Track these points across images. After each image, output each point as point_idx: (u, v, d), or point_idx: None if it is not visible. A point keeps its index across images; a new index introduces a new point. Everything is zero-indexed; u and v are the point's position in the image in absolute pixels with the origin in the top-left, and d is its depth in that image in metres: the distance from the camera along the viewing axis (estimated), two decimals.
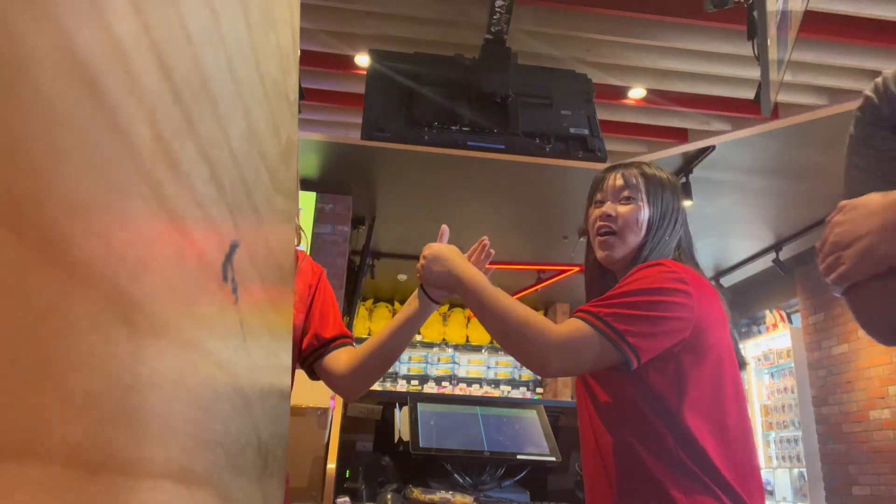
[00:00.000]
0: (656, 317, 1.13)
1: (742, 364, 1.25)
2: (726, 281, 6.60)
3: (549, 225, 5.57)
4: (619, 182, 1.35)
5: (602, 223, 1.34)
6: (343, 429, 1.95)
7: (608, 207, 1.34)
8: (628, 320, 1.11)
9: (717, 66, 3.51)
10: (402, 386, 7.84)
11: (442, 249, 1.26)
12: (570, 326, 1.12)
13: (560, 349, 1.09)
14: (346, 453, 2.09)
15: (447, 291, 1.25)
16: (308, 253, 1.45)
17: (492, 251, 1.33)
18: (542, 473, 2.21)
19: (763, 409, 6.33)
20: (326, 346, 1.28)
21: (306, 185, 4.68)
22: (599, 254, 1.35)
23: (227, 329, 0.29)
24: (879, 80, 0.99)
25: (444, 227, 1.34)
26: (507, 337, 1.14)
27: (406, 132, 2.80)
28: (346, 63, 3.64)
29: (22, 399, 0.14)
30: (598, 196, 1.39)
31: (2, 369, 0.13)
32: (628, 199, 1.35)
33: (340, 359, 1.26)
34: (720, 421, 1.15)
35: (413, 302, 1.26)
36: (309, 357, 1.28)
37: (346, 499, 1.87)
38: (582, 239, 5.76)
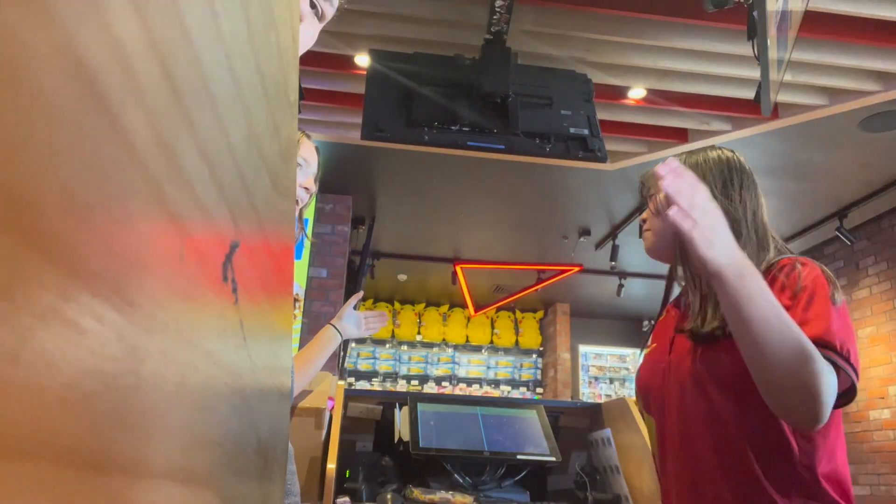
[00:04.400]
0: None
1: None
2: None
3: (549, 225, 5.57)
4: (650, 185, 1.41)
5: (642, 227, 1.39)
6: (343, 429, 1.95)
7: (646, 214, 1.39)
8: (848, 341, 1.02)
9: (717, 66, 3.51)
10: (402, 386, 7.85)
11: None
12: (832, 376, 0.95)
13: (830, 393, 0.94)
14: (346, 453, 2.09)
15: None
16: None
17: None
18: (541, 473, 2.21)
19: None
20: None
21: None
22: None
23: (227, 329, 0.29)
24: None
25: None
26: (784, 351, 0.93)
27: (406, 132, 2.80)
28: (346, 63, 3.64)
29: (22, 399, 0.14)
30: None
31: (2, 369, 0.13)
32: (650, 198, 1.38)
33: None
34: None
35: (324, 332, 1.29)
36: None
37: (346, 499, 1.87)
38: (582, 239, 5.76)
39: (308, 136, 1.45)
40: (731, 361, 1.07)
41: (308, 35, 0.92)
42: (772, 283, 1.09)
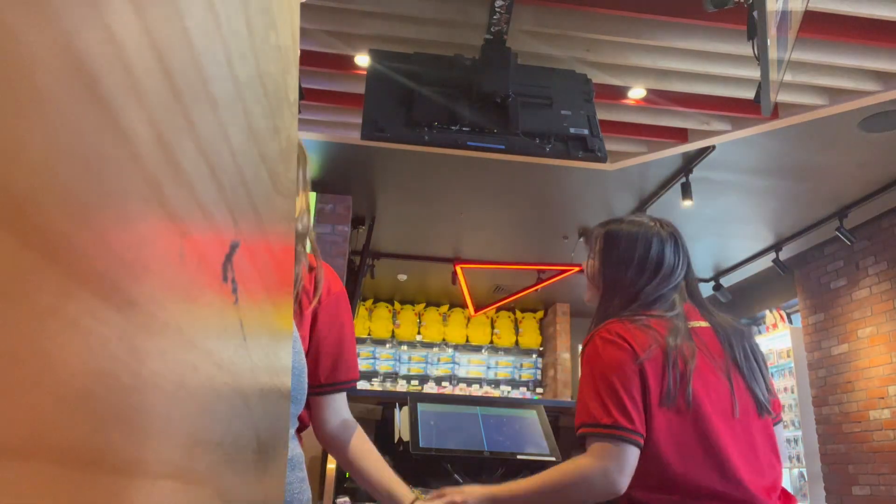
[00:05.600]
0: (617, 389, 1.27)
1: None
2: (726, 281, 6.60)
3: (549, 225, 5.57)
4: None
5: None
6: None
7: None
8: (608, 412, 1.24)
9: (717, 66, 3.51)
10: (402, 386, 7.84)
11: (467, 489, 1.35)
12: (593, 451, 1.23)
13: (608, 470, 1.20)
14: None
15: None
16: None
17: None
18: None
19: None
20: (325, 388, 1.24)
21: None
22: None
23: (227, 329, 0.29)
24: None
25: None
26: (570, 500, 1.23)
27: (406, 132, 2.79)
28: (346, 63, 3.64)
29: (22, 399, 0.14)
30: None
31: (2, 369, 0.13)
32: (588, 257, 1.53)
33: (329, 415, 1.24)
34: None
35: (401, 493, 1.25)
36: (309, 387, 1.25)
37: (346, 499, 1.87)
38: (582, 239, 5.76)
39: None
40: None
41: None
42: None
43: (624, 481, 1.19)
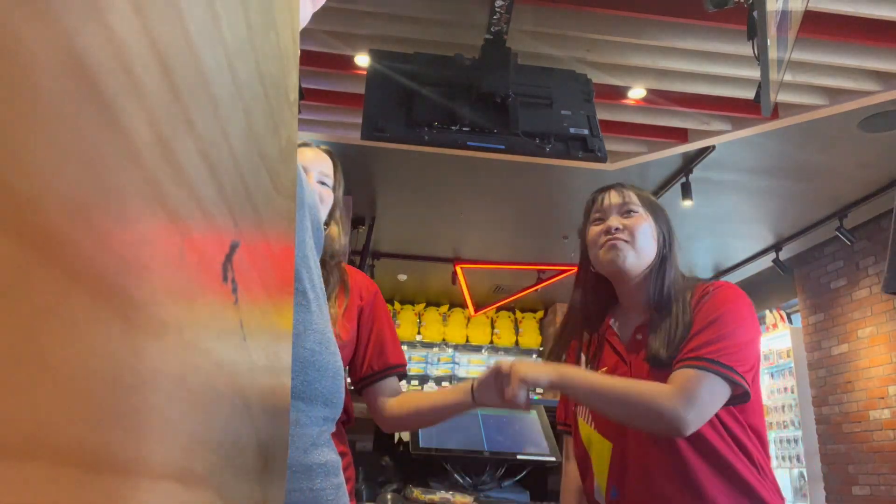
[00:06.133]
0: (750, 342, 1.19)
1: None
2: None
3: (549, 225, 5.57)
4: (617, 199, 1.35)
5: (609, 236, 1.31)
6: None
7: (614, 221, 1.33)
8: (734, 355, 1.15)
9: (717, 66, 3.50)
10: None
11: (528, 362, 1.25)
12: (683, 378, 1.13)
13: (686, 403, 1.10)
14: None
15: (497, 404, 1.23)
16: None
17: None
18: (542, 473, 2.21)
19: (763, 409, 6.34)
20: (377, 375, 1.40)
21: None
22: (606, 257, 1.31)
23: (227, 329, 0.29)
24: None
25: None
26: (632, 411, 1.14)
27: (406, 132, 2.79)
28: (346, 63, 3.64)
29: (22, 399, 0.14)
30: (597, 214, 1.38)
31: (2, 369, 0.13)
32: (629, 213, 1.34)
33: (386, 400, 1.39)
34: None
35: (458, 394, 1.28)
36: (359, 382, 1.41)
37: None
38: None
39: (307, 145, 1.48)
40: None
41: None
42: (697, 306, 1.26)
43: (694, 428, 1.12)
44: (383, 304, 1.48)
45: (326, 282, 1.34)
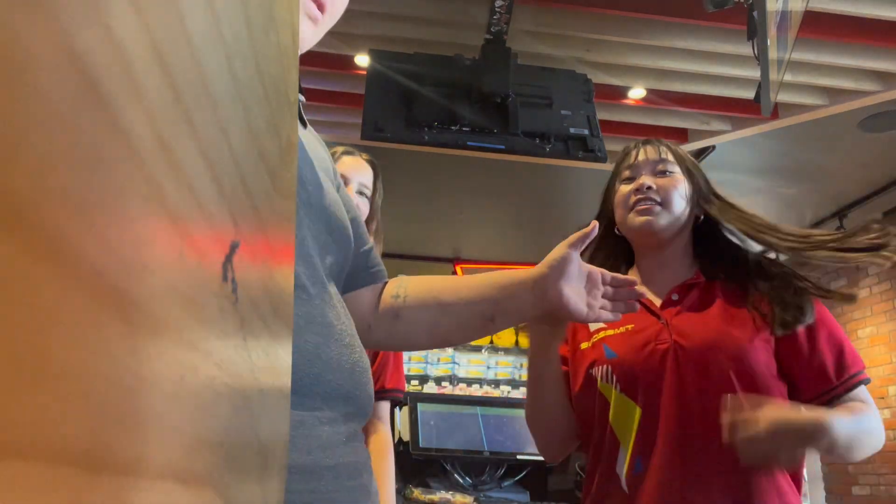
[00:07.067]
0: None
1: None
2: None
3: (549, 225, 5.57)
4: (653, 154, 1.25)
5: (641, 196, 1.20)
6: None
7: (646, 179, 1.22)
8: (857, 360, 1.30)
9: (717, 66, 3.50)
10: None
11: (769, 413, 0.99)
12: (863, 404, 1.28)
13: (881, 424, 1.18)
14: None
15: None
16: None
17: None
18: (542, 473, 2.21)
19: None
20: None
21: None
22: (638, 221, 1.20)
23: (227, 329, 0.29)
24: None
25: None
26: (860, 447, 1.18)
27: (406, 132, 2.80)
28: (346, 63, 3.63)
29: (22, 399, 0.14)
30: (627, 172, 1.26)
31: (2, 369, 0.13)
32: (664, 172, 1.23)
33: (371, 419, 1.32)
34: None
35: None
36: None
37: None
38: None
39: (350, 153, 1.46)
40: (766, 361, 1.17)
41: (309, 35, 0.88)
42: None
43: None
44: None
45: None
